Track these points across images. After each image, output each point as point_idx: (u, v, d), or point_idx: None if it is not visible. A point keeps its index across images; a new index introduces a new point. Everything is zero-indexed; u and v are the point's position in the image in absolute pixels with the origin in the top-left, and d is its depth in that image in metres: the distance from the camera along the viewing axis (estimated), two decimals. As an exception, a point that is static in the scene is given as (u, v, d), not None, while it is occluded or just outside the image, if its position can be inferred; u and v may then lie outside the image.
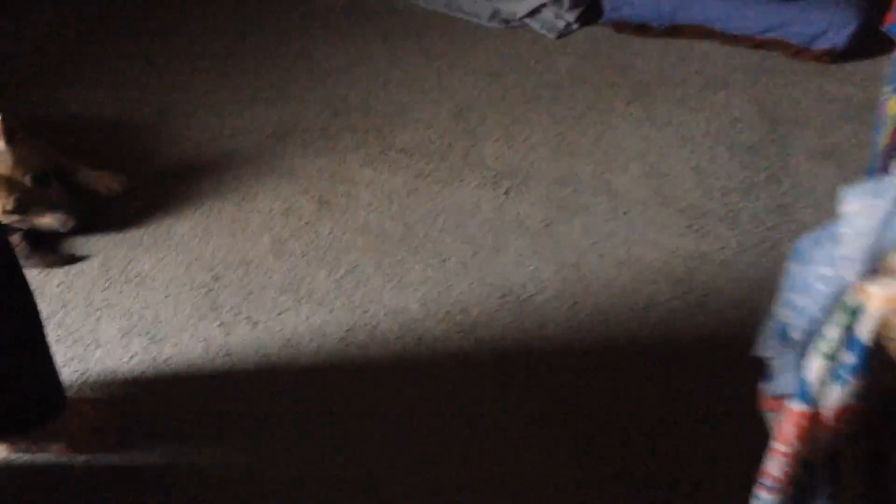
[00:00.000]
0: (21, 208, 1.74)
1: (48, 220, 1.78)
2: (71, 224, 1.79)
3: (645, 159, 2.03)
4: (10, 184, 1.72)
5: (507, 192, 1.95)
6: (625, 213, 1.87)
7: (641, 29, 2.56)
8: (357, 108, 2.29)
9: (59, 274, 1.77)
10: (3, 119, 1.75)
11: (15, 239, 1.81)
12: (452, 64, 2.48)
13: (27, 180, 1.75)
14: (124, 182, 2.01)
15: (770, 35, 2.37)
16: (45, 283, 1.75)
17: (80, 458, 1.38)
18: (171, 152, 2.14)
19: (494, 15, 2.67)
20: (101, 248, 1.84)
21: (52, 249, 1.84)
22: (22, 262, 1.77)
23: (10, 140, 1.75)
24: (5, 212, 1.73)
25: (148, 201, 1.97)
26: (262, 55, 2.56)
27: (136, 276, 1.76)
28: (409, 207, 1.92)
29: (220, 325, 1.63)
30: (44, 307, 1.67)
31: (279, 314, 1.65)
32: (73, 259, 1.82)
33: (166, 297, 1.70)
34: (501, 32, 2.64)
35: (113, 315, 1.66)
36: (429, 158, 2.08)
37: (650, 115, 2.20)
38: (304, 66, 2.50)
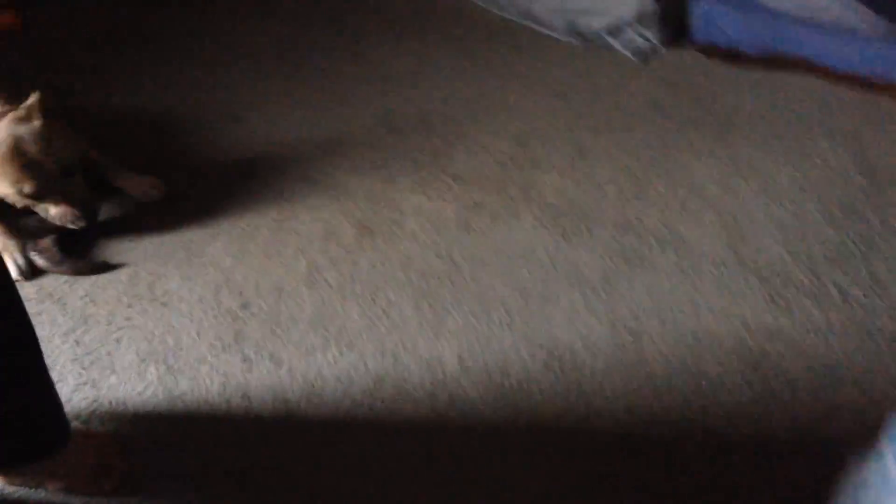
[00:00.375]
0: (38, 194, 1.70)
1: (59, 213, 1.73)
2: (81, 224, 1.74)
3: (723, 210, 1.87)
4: (35, 167, 1.67)
5: (564, 235, 1.81)
6: (695, 272, 1.71)
7: (733, 56, 2.38)
8: (413, 124, 2.19)
9: (85, 284, 1.72)
10: (42, 97, 1.69)
11: (46, 242, 1.77)
12: (521, 81, 2.35)
13: (53, 167, 1.70)
14: (161, 188, 1.95)
15: (879, 76, 2.16)
16: (69, 293, 1.70)
17: (78, 500, 1.32)
18: (213, 158, 2.08)
19: (571, 28, 2.52)
20: (132, 259, 1.79)
21: (82, 255, 1.79)
22: (52, 267, 1.75)
23: (47, 117, 1.70)
24: (22, 194, 1.69)
25: (184, 211, 1.91)
26: (318, 57, 2.47)
27: (162, 294, 1.70)
28: (458, 243, 1.80)
29: (242, 361, 1.55)
30: (65, 321, 1.62)
31: (305, 354, 1.56)
32: (103, 267, 1.77)
33: (191, 321, 1.63)
34: (577, 49, 2.49)
35: (133, 337, 1.60)
36: (484, 188, 1.96)
37: (734, 158, 2.03)
38: (361, 72, 2.40)
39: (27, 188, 1.68)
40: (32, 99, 1.71)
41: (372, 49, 2.50)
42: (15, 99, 1.80)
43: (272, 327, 1.62)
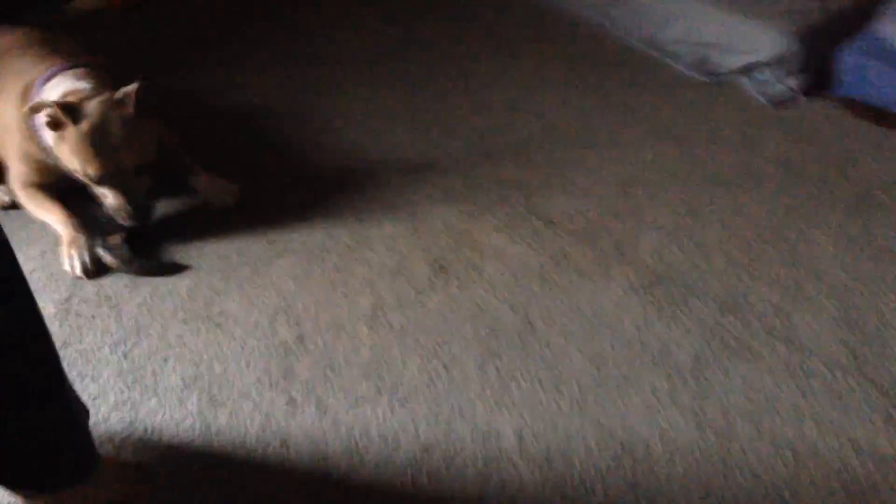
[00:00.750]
0: (101, 181, 1.69)
1: (114, 205, 1.72)
2: (129, 223, 1.73)
3: (848, 301, 1.66)
4: (109, 155, 1.66)
5: (658, 306, 1.66)
6: (804, 372, 1.52)
7: (881, 115, 2.14)
8: (509, 153, 2.07)
9: (144, 291, 1.70)
10: (141, 87, 1.68)
11: (116, 239, 1.75)
12: (634, 116, 2.19)
13: (127, 162, 1.68)
14: (236, 195, 1.91)
15: None
16: (127, 299, 1.68)
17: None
18: (294, 166, 2.03)
19: (700, 63, 2.33)
20: (195, 269, 1.76)
21: (149, 256, 1.77)
22: (120, 265, 1.73)
23: (140, 112, 1.68)
24: (86, 175, 1.69)
25: (255, 221, 1.86)
26: (421, 71, 2.39)
27: (218, 314, 1.65)
28: (536, 298, 1.68)
29: (287, 403, 1.48)
30: (117, 330, 1.60)
31: (354, 405, 1.47)
32: (170, 269, 1.74)
33: (242, 348, 1.58)
34: (704, 86, 2.31)
35: (182, 358, 1.56)
36: (576, 237, 1.82)
37: (869, 237, 1.81)
38: (462, 91, 2.30)
39: (92, 172, 1.68)
40: (132, 86, 1.68)
41: (479, 68, 2.40)
42: (117, 76, 1.81)
43: (325, 368, 1.54)
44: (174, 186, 1.94)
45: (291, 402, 1.48)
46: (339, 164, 2.05)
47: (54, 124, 1.66)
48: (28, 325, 1.09)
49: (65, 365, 1.52)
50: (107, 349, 1.57)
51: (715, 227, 1.85)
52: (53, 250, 1.78)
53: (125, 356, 1.56)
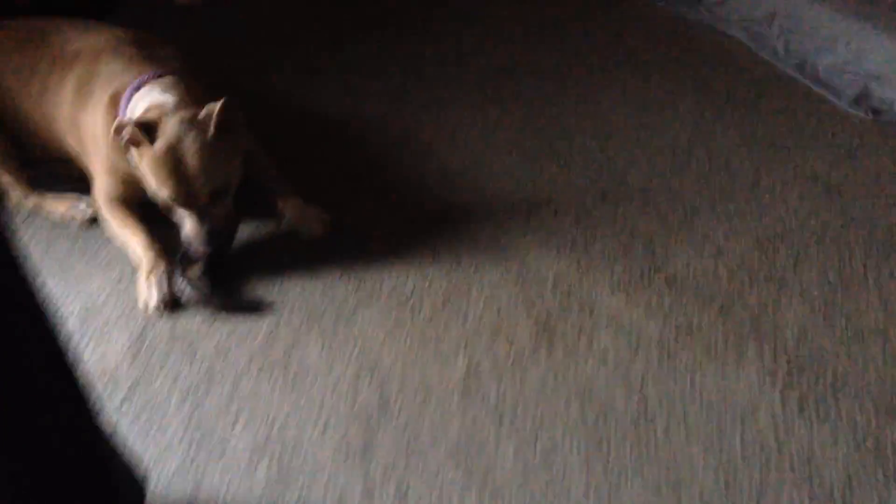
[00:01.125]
0: (175, 204, 1.61)
1: (188, 231, 1.63)
2: (204, 250, 1.63)
3: None
4: (184, 180, 1.57)
5: (801, 401, 1.44)
6: (985, 508, 1.28)
7: None
8: (631, 195, 1.87)
9: (222, 330, 1.60)
10: (225, 106, 1.57)
11: (196, 271, 1.66)
12: (780, 158, 1.95)
13: (202, 188, 1.58)
14: (328, 226, 1.79)
15: None
16: (202, 339, 1.58)
17: None
18: (392, 194, 1.89)
19: (861, 97, 2.06)
20: (276, 308, 1.64)
21: (230, 290, 1.67)
22: (200, 299, 1.63)
23: (222, 133, 1.58)
24: (159, 197, 1.61)
25: (344, 257, 1.74)
26: (535, 90, 2.21)
27: (297, 364, 1.53)
28: (656, 377, 1.48)
29: (363, 482, 1.35)
30: (189, 374, 1.51)
31: (438, 495, 1.33)
32: (250, 307, 1.64)
33: (320, 410, 1.46)
34: (865, 125, 2.04)
35: (254, 415, 1.45)
36: (704, 304, 1.61)
37: None
38: (582, 116, 2.11)
39: (164, 195, 1.60)
40: (216, 106, 1.58)
41: (601, 91, 2.20)
42: (209, 85, 1.73)
43: (409, 443, 1.40)
44: (261, 209, 1.83)
45: (369, 481, 1.35)
46: (440, 194, 1.90)
47: (133, 142, 1.57)
48: (31, 352, 0.95)
49: (131, 412, 1.45)
50: (176, 398, 1.48)
51: (874, 304, 1.61)
52: (131, 277, 1.70)
53: (196, 407, 1.47)
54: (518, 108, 2.15)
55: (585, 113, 2.13)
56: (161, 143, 1.56)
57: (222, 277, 1.69)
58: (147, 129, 1.56)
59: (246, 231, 1.80)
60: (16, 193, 1.86)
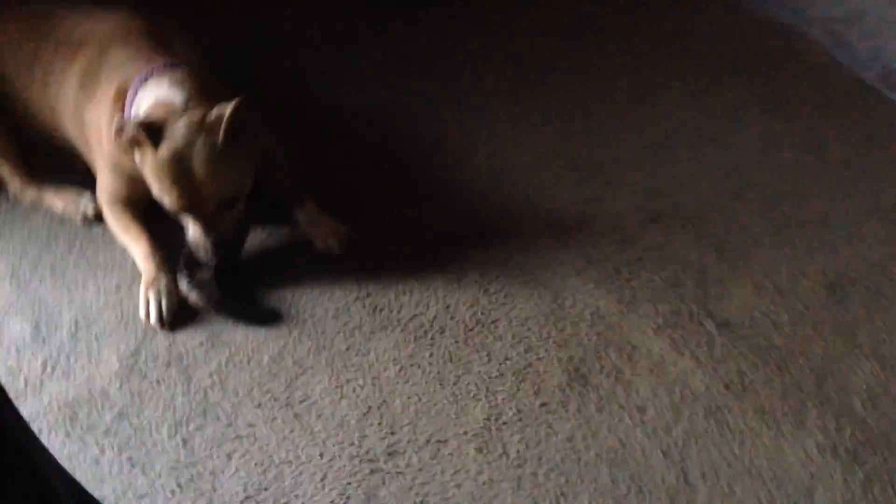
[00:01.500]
0: (179, 213, 1.51)
1: (193, 239, 1.53)
2: (209, 260, 1.53)
3: None
4: (188, 188, 1.46)
5: (866, 482, 1.28)
6: None
7: None
8: (688, 220, 1.72)
9: (221, 354, 1.50)
10: (238, 108, 1.43)
11: (203, 275, 1.56)
12: (859, 185, 1.77)
13: (207, 198, 1.47)
14: (345, 240, 1.66)
15: None
16: (200, 362, 1.48)
17: None
18: (418, 206, 1.76)
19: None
20: (284, 329, 1.53)
21: (241, 296, 1.57)
22: (209, 305, 1.53)
23: (233, 138, 1.45)
24: (162, 203, 1.50)
25: (363, 279, 1.62)
26: (584, 93, 2.05)
27: (301, 400, 1.42)
28: (700, 441, 1.34)
29: (361, 545, 1.23)
30: (182, 404, 1.42)
31: (444, 565, 1.21)
32: (264, 318, 1.54)
33: (321, 455, 1.35)
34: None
35: (248, 456, 1.35)
36: (761, 355, 1.46)
37: None
38: (633, 125, 1.96)
39: (168, 202, 1.49)
40: (228, 107, 1.44)
41: (657, 96, 2.02)
42: (224, 80, 1.62)
43: (415, 500, 1.28)
44: (275, 214, 1.71)
45: (368, 546, 1.23)
46: (470, 209, 1.76)
47: (136, 142, 1.46)
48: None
49: (115, 444, 1.35)
50: (166, 430, 1.38)
51: (959, 367, 1.43)
52: (130, 285, 1.60)
53: (184, 442, 1.37)
54: (563, 113, 1.98)
55: (638, 121, 1.96)
56: (166, 147, 1.44)
57: (231, 284, 1.58)
58: (152, 130, 1.44)
59: (257, 237, 1.68)
60: (14, 185, 1.78)
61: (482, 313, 1.56)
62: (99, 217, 1.72)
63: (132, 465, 1.33)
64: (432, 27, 2.26)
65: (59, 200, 1.75)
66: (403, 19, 2.26)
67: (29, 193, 1.77)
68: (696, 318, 1.53)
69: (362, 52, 2.19)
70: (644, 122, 1.95)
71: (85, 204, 1.74)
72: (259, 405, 1.42)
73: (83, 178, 1.75)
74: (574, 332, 1.51)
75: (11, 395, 1.34)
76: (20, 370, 1.47)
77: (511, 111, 2.00)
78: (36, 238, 1.72)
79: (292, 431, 1.38)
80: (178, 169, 1.44)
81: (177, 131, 1.44)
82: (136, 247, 1.61)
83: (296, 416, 1.40)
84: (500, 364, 1.47)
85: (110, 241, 1.69)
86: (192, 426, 1.39)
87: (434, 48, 2.20)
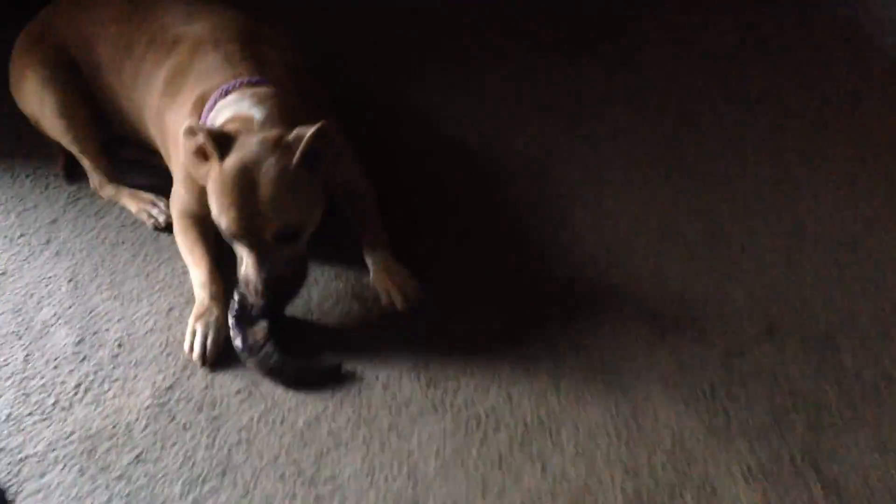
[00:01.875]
0: (235, 237, 1.38)
1: (244, 275, 1.40)
2: (256, 301, 1.40)
3: None
4: (247, 212, 1.34)
5: None
6: None
7: None
8: (814, 338, 1.49)
9: (255, 408, 1.40)
10: (320, 132, 1.32)
11: (258, 334, 1.45)
12: None
13: (267, 228, 1.35)
14: (413, 296, 1.53)
15: None
16: (232, 414, 1.39)
17: None
18: (506, 267, 1.61)
19: None
20: (328, 392, 1.42)
21: (306, 354, 1.46)
22: (262, 372, 1.42)
23: (307, 164, 1.34)
24: (218, 224, 1.38)
25: (421, 348, 1.48)
26: (713, 152, 1.80)
27: (325, 481, 1.31)
28: None
29: None
30: (203, 458, 1.33)
31: None
32: (329, 375, 1.43)
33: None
34: None
35: (256, 538, 1.24)
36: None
37: None
38: (770, 201, 1.70)
39: (224, 224, 1.37)
40: (309, 131, 1.33)
41: (803, 181, 1.75)
42: (314, 102, 1.52)
43: None
44: (340, 251, 1.60)
45: None
46: (559, 283, 1.59)
47: (202, 153, 1.37)
48: None
49: (125, 494, 1.28)
50: (179, 487, 1.29)
51: None
52: (183, 311, 1.52)
53: (196, 506, 1.27)
54: (689, 179, 1.76)
55: (775, 206, 1.71)
56: (232, 160, 1.33)
57: (281, 334, 1.47)
58: (221, 141, 1.34)
59: (316, 278, 1.57)
60: (95, 179, 1.74)
61: (547, 413, 1.38)
62: (169, 227, 1.65)
63: (135, 523, 1.25)
64: (561, 58, 2.06)
65: (133, 202, 1.71)
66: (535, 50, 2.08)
67: (108, 190, 1.73)
68: (800, 470, 1.30)
69: (477, 83, 2.02)
70: (781, 209, 1.70)
71: (157, 212, 1.68)
72: (282, 477, 1.31)
73: (165, 182, 1.69)
74: (648, 460, 1.32)
75: (39, 413, 1.30)
76: (53, 388, 1.42)
77: (628, 165, 1.79)
78: (104, 239, 1.68)
79: (309, 521, 1.26)
80: (242, 186, 1.33)
81: (247, 145, 1.34)
82: (196, 270, 1.53)
83: (317, 498, 1.28)
84: (555, 482, 1.30)
85: (175, 255, 1.62)
86: (206, 488, 1.30)
87: (560, 83, 2.00)
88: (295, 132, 1.35)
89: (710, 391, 1.40)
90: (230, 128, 1.38)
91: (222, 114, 1.43)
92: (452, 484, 1.30)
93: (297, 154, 1.33)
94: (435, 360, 1.46)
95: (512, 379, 1.43)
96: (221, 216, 1.37)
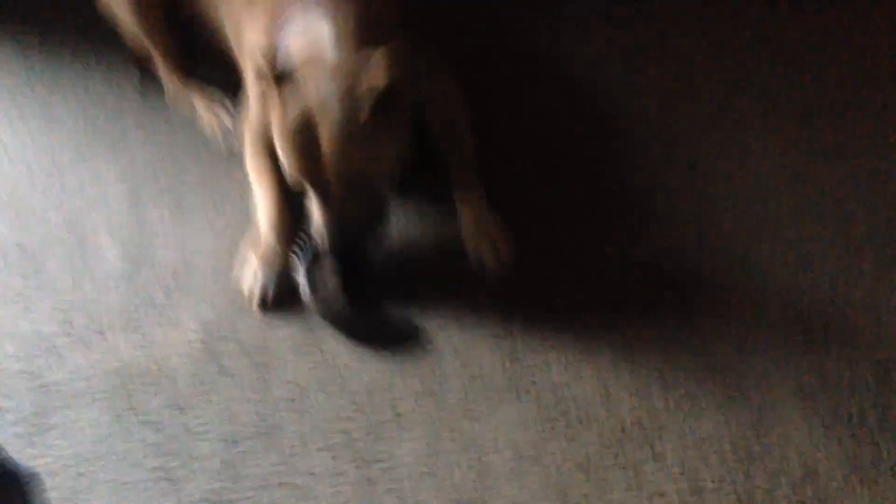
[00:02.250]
0: (299, 184, 1.22)
1: (315, 227, 1.24)
2: (327, 253, 1.25)
3: None
4: (313, 161, 1.16)
5: None
6: None
7: None
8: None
9: (308, 364, 1.23)
10: (397, 56, 1.12)
11: (329, 282, 1.28)
12: None
13: (335, 176, 1.17)
14: (507, 257, 1.32)
15: None
16: (286, 363, 1.23)
17: None
18: (624, 238, 1.38)
19: None
20: (397, 357, 1.24)
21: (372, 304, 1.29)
22: (323, 313, 1.26)
23: (380, 112, 1.14)
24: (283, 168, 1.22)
25: (512, 319, 1.29)
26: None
27: (379, 460, 1.15)
28: None
29: None
30: (245, 412, 1.18)
31: None
32: (403, 335, 1.26)
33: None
34: None
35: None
36: None
37: None
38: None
39: (288, 170, 1.21)
40: (380, 70, 1.12)
41: None
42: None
43: None
44: (424, 198, 1.40)
45: None
46: (686, 264, 1.35)
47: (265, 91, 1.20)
48: None
49: (150, 443, 1.14)
50: (209, 444, 1.16)
51: None
52: (248, 251, 1.35)
53: (225, 468, 1.15)
54: (856, 153, 1.48)
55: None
56: (293, 103, 1.15)
57: (361, 294, 1.29)
58: (282, 79, 1.17)
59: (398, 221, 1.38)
60: (171, 86, 1.59)
61: (649, 415, 1.17)
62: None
63: (157, 479, 1.11)
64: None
65: (201, 101, 1.56)
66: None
67: (181, 91, 1.59)
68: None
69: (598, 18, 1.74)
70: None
71: (224, 116, 1.54)
72: (330, 448, 1.14)
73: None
74: (769, 489, 1.09)
75: (75, 336, 1.17)
76: (96, 311, 1.29)
77: (783, 135, 1.52)
78: (173, 160, 1.52)
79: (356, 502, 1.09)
80: (303, 135, 1.15)
81: (311, 87, 1.15)
82: (264, 204, 1.36)
83: (368, 480, 1.12)
84: (649, 500, 1.08)
85: (248, 191, 1.43)
86: (242, 448, 1.15)
87: (697, 34, 1.72)
88: (373, 63, 1.14)
89: (857, 415, 1.15)
90: (297, 55, 1.19)
91: (292, 28, 1.24)
92: (524, 485, 1.11)
93: (367, 106, 1.13)
94: (521, 332, 1.26)
95: (611, 368, 1.22)
96: (285, 160, 1.20)
